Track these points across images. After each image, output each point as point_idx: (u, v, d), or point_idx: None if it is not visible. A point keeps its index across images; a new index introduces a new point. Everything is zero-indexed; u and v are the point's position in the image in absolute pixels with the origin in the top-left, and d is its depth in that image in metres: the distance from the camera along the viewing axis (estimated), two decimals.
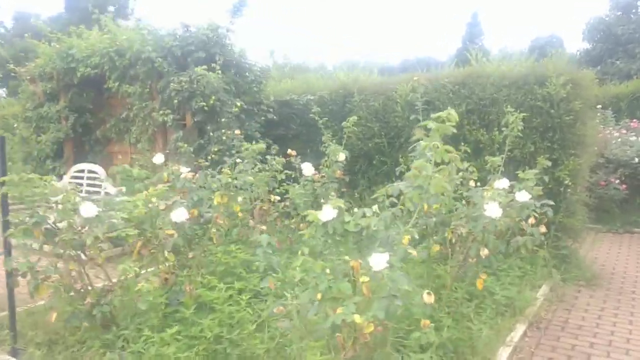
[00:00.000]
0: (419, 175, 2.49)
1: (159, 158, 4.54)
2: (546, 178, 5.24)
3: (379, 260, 2.08)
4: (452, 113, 2.78)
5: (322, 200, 5.41)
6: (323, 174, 5.50)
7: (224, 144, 6.02)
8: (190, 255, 3.77)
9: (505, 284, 4.68)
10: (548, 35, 26.18)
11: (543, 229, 3.58)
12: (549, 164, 5.26)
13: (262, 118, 7.03)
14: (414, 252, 2.48)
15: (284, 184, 5.35)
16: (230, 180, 3.81)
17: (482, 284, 3.36)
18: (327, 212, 2.31)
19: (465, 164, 4.63)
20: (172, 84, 6.14)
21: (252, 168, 4.35)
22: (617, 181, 8.19)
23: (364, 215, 2.46)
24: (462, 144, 5.83)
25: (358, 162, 6.78)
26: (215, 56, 6.29)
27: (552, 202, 4.65)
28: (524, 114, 5.00)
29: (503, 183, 4.09)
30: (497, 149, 5.81)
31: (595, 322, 4.54)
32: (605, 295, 5.25)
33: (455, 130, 2.80)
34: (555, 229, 5.62)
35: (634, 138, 8.83)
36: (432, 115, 2.79)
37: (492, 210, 3.19)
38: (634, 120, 9.77)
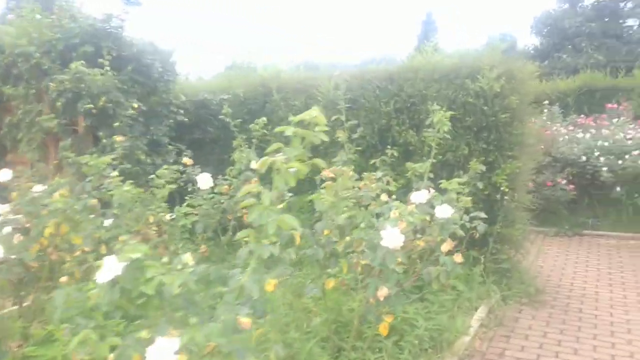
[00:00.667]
0: (254, 205, 1.73)
1: (4, 174, 3.64)
2: (480, 184, 4.62)
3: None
4: (318, 115, 2.02)
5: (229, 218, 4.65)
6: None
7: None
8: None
9: (433, 311, 4.01)
10: (501, 33, 26.07)
11: (459, 258, 2.89)
12: (483, 168, 4.63)
13: (171, 121, 6.17)
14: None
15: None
16: (68, 203, 2.97)
17: (387, 328, 2.64)
18: (110, 268, 1.53)
19: (379, 173, 3.95)
20: (50, 83, 5.22)
21: (100, 186, 3.52)
22: (564, 181, 7.70)
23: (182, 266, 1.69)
24: (389, 147, 5.17)
25: None
26: (106, 50, 5.39)
27: (483, 215, 4.00)
28: (452, 112, 4.33)
29: (420, 196, 3.39)
30: (428, 152, 5.15)
31: (535, 352, 3.91)
32: (549, 315, 4.64)
33: (326, 138, 2.05)
34: (493, 241, 5.00)
35: (580, 135, 8.38)
36: (292, 118, 2.04)
37: (390, 237, 2.46)
38: (582, 116, 9.37)
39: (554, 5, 14.90)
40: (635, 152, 7.42)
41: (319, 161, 2.08)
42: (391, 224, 2.57)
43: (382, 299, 2.46)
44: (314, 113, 2.09)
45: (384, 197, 3.46)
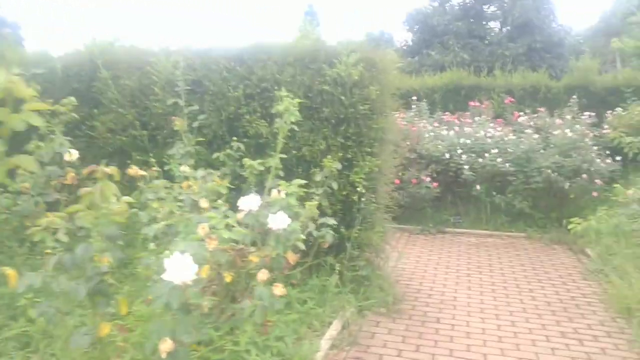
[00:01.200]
0: None
1: None
2: (335, 184, 4.07)
3: None
4: (17, 84, 1.20)
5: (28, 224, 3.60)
6: None
7: None
8: None
9: (274, 336, 3.36)
10: (380, 30, 26.60)
11: (279, 290, 2.24)
12: (338, 166, 4.08)
13: None
14: None
15: None
16: None
17: None
18: None
19: (201, 172, 3.20)
20: None
21: None
22: (429, 179, 7.56)
23: None
24: (238, 139, 4.44)
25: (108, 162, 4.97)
26: None
27: (332, 221, 3.43)
28: (301, 100, 3.72)
29: (250, 202, 2.70)
30: (282, 147, 4.50)
31: None
32: (406, 327, 4.25)
33: (39, 123, 1.24)
34: (351, 246, 4.50)
35: (445, 132, 8.35)
36: None
37: (176, 267, 1.72)
38: (447, 112, 9.42)
39: (426, 2, 15.41)
40: (494, 151, 7.48)
41: (20, 160, 1.26)
42: (183, 246, 1.82)
43: (164, 355, 1.71)
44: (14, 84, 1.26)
45: (203, 202, 2.71)
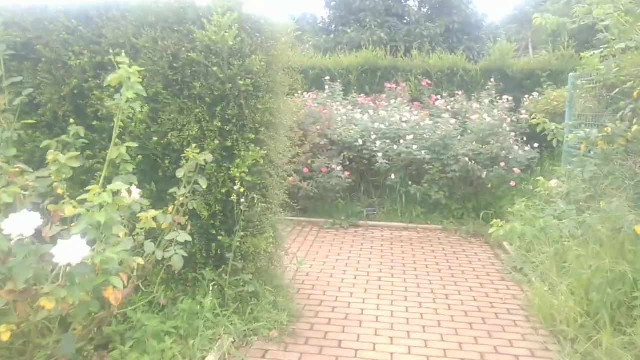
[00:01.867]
0: None
1: None
2: (204, 182, 3.15)
3: None
4: None
5: None
6: None
7: None
8: None
9: None
10: (304, 12, 25.55)
11: None
12: (209, 157, 3.17)
13: None
14: None
15: None
16: None
17: None
18: None
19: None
20: None
21: None
22: (340, 167, 6.81)
23: None
24: (72, 121, 3.39)
25: None
26: None
27: (184, 237, 2.53)
28: (141, 69, 2.74)
29: (21, 223, 1.72)
30: (141, 132, 3.50)
31: None
32: (300, 357, 3.45)
33: None
34: (233, 257, 3.62)
35: (359, 116, 7.62)
36: None
37: None
38: (362, 95, 8.71)
39: None
40: (410, 137, 6.86)
41: None
42: None
43: None
44: None
45: None
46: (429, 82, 8.89)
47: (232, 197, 3.39)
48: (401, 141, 6.91)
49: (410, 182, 7.00)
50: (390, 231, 6.89)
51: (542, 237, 4.03)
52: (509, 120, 7.25)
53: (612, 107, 5.47)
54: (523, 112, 7.86)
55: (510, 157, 6.58)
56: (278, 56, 3.65)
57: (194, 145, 3.17)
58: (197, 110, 3.50)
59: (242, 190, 3.38)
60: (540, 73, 9.09)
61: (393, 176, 6.92)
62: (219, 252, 3.66)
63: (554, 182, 4.76)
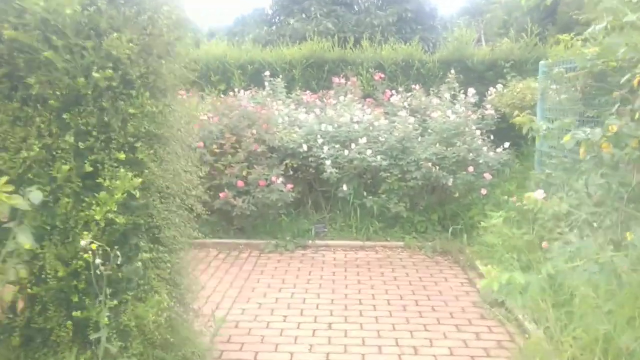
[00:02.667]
0: None
1: None
2: (26, 239, 1.94)
3: None
4: None
5: None
6: None
7: None
8: None
9: None
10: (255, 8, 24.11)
11: None
12: (36, 196, 1.97)
13: None
14: None
15: None
16: None
17: None
18: None
19: None
20: None
21: None
22: (281, 179, 5.68)
23: None
24: None
25: None
26: None
27: None
28: None
29: None
30: None
31: None
32: None
33: None
34: (106, 338, 2.43)
35: (304, 116, 6.52)
36: None
37: None
38: (307, 92, 7.60)
39: None
40: (363, 140, 5.82)
41: None
42: None
43: None
44: None
45: None
46: (382, 75, 7.87)
47: (87, 255, 2.19)
48: (353, 145, 5.85)
49: (365, 193, 5.97)
50: (344, 252, 5.83)
51: (549, 288, 3.03)
52: (473, 117, 6.31)
53: (598, 98, 4.60)
54: (488, 106, 6.95)
55: (479, 161, 5.65)
56: (164, 37, 2.48)
57: (4, 179, 1.96)
58: (39, 119, 2.29)
59: (93, 246, 2.18)
60: (503, 63, 8.25)
61: (345, 187, 5.85)
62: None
63: (539, 194, 3.80)
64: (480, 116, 6.57)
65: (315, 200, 6.48)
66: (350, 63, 8.40)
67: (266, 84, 7.60)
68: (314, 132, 6.12)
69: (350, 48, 8.67)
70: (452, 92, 6.94)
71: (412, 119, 6.12)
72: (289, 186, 5.67)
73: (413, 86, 7.43)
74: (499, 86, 7.51)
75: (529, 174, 5.70)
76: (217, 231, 6.14)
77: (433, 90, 7.33)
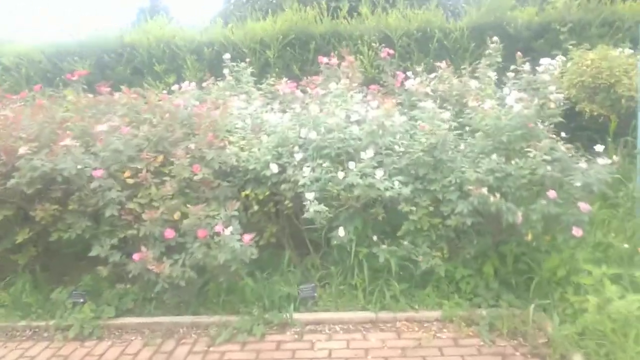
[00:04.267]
0: None
1: None
2: None
3: None
4: None
5: None
6: None
7: None
8: None
9: None
10: None
11: None
12: None
13: None
14: None
15: None
16: None
17: None
18: None
19: None
20: None
21: None
22: (232, 228, 3.39)
23: None
24: None
25: None
26: None
27: None
28: None
29: None
30: None
31: None
32: None
33: None
34: None
35: (274, 117, 4.21)
36: None
37: None
38: (285, 80, 5.27)
39: None
40: (368, 154, 3.49)
41: None
42: None
43: None
44: None
45: None
46: (391, 52, 5.52)
47: None
48: (352, 162, 3.53)
49: (375, 238, 3.68)
50: (347, 334, 3.56)
51: None
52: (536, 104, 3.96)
53: None
54: (552, 88, 4.59)
55: (568, 180, 3.32)
56: None
57: None
58: None
59: None
60: (558, 27, 5.93)
61: (341, 231, 3.55)
62: None
63: None
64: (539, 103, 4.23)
65: (298, 246, 4.20)
66: (346, 37, 6.11)
67: (226, 71, 5.31)
68: (288, 142, 3.82)
69: (345, 18, 6.34)
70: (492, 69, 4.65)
71: (446, 114, 3.79)
72: (248, 237, 3.37)
73: (437, 64, 5.10)
74: (561, 57, 5.17)
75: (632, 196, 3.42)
76: (146, 303, 3.91)
77: (465, 69, 5.03)
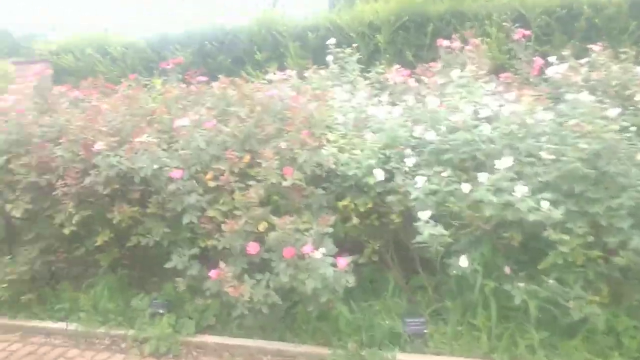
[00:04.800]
0: None
1: None
2: None
3: None
4: None
5: None
6: None
7: None
8: None
9: None
10: None
11: None
12: None
13: None
14: None
15: None
16: None
17: None
18: None
19: None
20: None
21: None
22: (324, 249, 2.75)
23: None
24: None
25: None
26: None
27: None
28: None
29: None
30: None
31: None
32: None
33: None
34: None
35: (382, 111, 3.50)
36: None
37: None
38: (397, 67, 4.51)
39: None
40: (504, 162, 2.64)
41: None
42: None
43: None
44: None
45: None
46: (526, 32, 4.53)
47: None
48: (482, 175, 2.71)
49: (507, 269, 2.84)
50: None
51: None
52: None
53: None
54: None
55: None
56: None
57: None
58: None
59: None
60: None
61: (463, 260, 2.76)
62: None
63: None
64: None
65: (403, 262, 3.47)
66: (470, 17, 5.19)
67: (329, 58, 4.70)
68: (398, 143, 3.09)
69: None
70: None
71: (614, 110, 2.82)
72: (343, 262, 2.71)
73: (590, 46, 4.05)
74: None
75: None
76: (229, 319, 3.44)
77: (626, 53, 3.93)
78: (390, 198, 2.92)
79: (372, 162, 2.94)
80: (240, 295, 2.73)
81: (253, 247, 2.90)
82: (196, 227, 3.18)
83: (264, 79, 4.83)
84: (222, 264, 2.88)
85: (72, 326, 3.66)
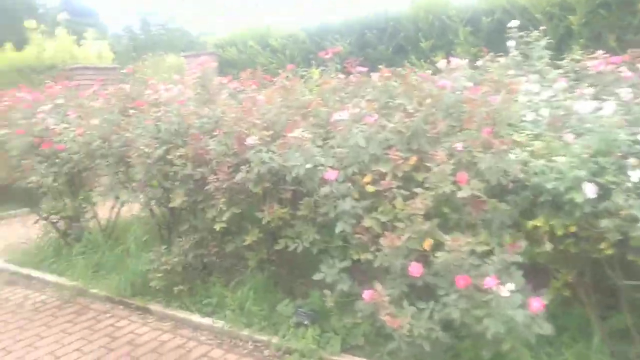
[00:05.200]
0: None
1: None
2: None
3: None
4: None
5: None
6: None
7: None
8: None
9: None
10: None
11: None
12: None
13: None
14: None
15: None
16: None
17: None
18: None
19: None
20: None
21: None
22: (512, 284, 2.14)
23: None
24: None
25: None
26: None
27: None
28: None
29: None
30: None
31: None
32: None
33: None
34: None
35: (587, 106, 2.73)
36: None
37: None
38: (599, 52, 3.62)
39: None
40: None
41: None
42: None
43: None
44: None
45: None
46: None
47: None
48: None
49: None
50: None
51: None
52: None
53: None
54: None
55: None
56: None
57: None
58: None
59: None
60: None
61: None
62: None
63: None
64: None
65: (607, 305, 2.68)
66: None
67: (511, 43, 3.97)
68: (617, 149, 2.33)
69: None
70: None
71: None
72: (537, 304, 2.07)
73: None
74: None
75: None
76: (379, 341, 3.02)
77: None
78: (605, 222, 2.20)
79: (581, 173, 2.24)
80: (399, 327, 2.26)
81: (416, 269, 2.40)
82: (349, 236, 2.79)
83: (428, 69, 4.28)
84: (378, 285, 2.44)
85: (219, 324, 3.55)
